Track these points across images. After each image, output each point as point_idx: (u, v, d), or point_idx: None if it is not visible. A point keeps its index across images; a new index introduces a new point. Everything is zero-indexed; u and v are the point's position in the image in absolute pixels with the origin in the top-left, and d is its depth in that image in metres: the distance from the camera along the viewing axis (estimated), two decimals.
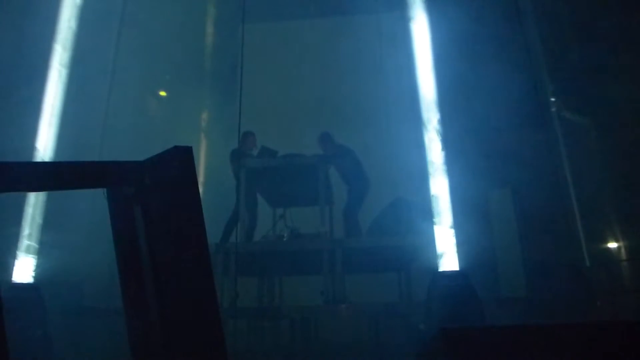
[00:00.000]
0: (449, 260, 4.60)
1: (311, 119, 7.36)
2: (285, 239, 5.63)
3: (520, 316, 5.02)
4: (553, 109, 6.84)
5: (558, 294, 4.93)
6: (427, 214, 4.89)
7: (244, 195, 5.76)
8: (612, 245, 6.30)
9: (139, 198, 1.86)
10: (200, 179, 8.07)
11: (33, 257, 5.08)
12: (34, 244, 5.12)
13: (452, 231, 4.71)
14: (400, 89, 6.56)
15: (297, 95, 8.49)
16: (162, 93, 8.96)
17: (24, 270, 5.03)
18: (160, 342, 1.91)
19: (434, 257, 4.69)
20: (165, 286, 1.89)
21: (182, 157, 1.80)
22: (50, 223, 5.28)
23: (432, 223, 4.82)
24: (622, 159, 6.12)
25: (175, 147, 1.78)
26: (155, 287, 1.91)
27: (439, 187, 4.84)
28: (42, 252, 5.15)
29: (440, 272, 4.61)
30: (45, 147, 5.41)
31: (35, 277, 5.06)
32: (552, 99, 6.87)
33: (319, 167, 5.76)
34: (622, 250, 6.21)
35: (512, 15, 6.49)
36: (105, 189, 1.92)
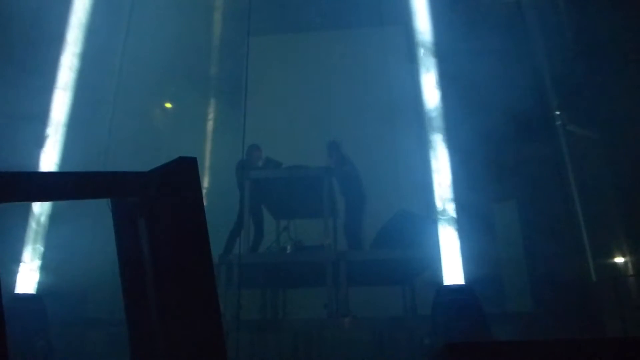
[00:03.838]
0: (454, 274, 4.56)
1: (316, 130, 7.38)
2: (288, 251, 5.61)
3: (526, 331, 4.96)
4: (558, 123, 6.83)
5: (564, 309, 4.88)
6: (432, 226, 4.87)
7: (248, 207, 5.76)
8: (619, 260, 6.23)
9: (143, 209, 1.86)
10: (205, 190, 8.08)
11: (36, 268, 5.08)
12: (37, 255, 5.13)
13: (457, 244, 4.68)
14: (405, 102, 6.58)
15: (302, 107, 8.52)
16: (168, 105, 9.03)
17: (26, 280, 5.03)
18: (162, 353, 1.89)
19: (438, 270, 4.65)
20: (167, 297, 1.88)
21: (187, 168, 1.80)
22: (54, 234, 5.29)
23: (436, 236, 4.79)
24: (628, 173, 6.08)
25: (180, 158, 1.78)
26: (158, 298, 1.90)
27: (444, 199, 4.83)
28: (46, 262, 5.15)
29: (445, 286, 4.58)
30: (50, 157, 5.45)
31: (38, 288, 5.06)
32: (558, 113, 6.86)
33: (323, 179, 5.76)
34: (629, 265, 6.14)
35: (517, 29, 6.52)
36: (109, 200, 1.92)
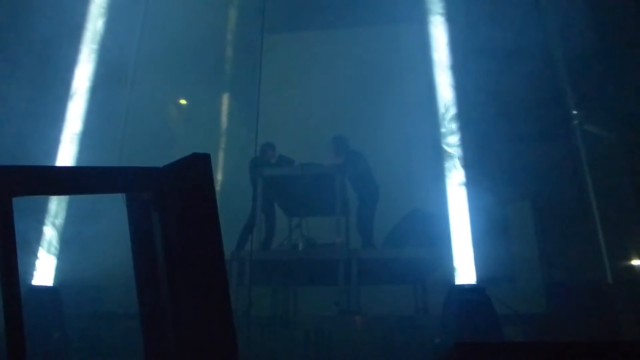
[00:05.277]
0: (466, 273, 4.53)
1: (329, 128, 7.38)
2: (300, 249, 5.62)
3: (538, 333, 4.90)
4: (575, 122, 6.72)
5: (579, 312, 4.81)
6: (444, 226, 4.84)
7: (260, 204, 5.79)
8: (636, 262, 6.12)
9: (156, 204, 1.88)
10: (218, 186, 8.14)
11: (53, 260, 5.17)
12: (54, 248, 5.22)
13: (470, 244, 4.64)
14: (419, 99, 6.54)
15: (316, 105, 8.53)
16: (182, 101, 9.10)
17: (43, 272, 5.12)
18: (174, 349, 1.92)
19: (450, 270, 4.62)
20: (180, 292, 1.90)
21: (201, 164, 1.82)
22: (71, 227, 5.37)
23: (449, 235, 4.76)
24: None
25: (194, 154, 1.80)
26: (170, 293, 1.93)
27: (457, 199, 4.79)
28: (63, 255, 5.24)
29: (456, 285, 4.55)
30: (67, 152, 5.54)
31: (54, 280, 5.15)
32: (575, 112, 6.75)
33: (335, 177, 5.76)
34: None
35: (535, 27, 6.43)
36: (123, 194, 1.95)
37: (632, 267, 6.13)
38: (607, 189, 6.22)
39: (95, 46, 5.96)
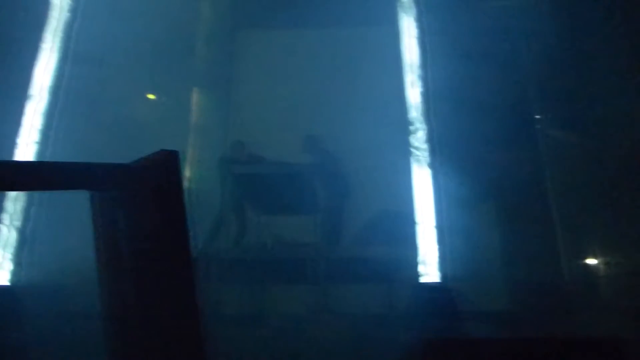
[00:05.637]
0: (432, 272, 4.62)
1: (301, 127, 7.37)
2: (270, 247, 5.61)
3: (500, 329, 5.05)
4: (538, 126, 6.95)
5: (539, 309, 4.98)
6: (412, 225, 4.93)
7: (230, 202, 5.75)
8: (592, 262, 6.39)
9: (122, 202, 1.83)
10: (186, 184, 8.01)
11: (9, 259, 4.98)
12: (11, 247, 5.03)
13: (436, 243, 4.74)
14: (389, 100, 6.62)
15: (288, 104, 8.50)
16: (151, 96, 8.91)
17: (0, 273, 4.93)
18: (140, 350, 1.88)
19: (417, 269, 4.71)
20: (146, 292, 1.86)
21: (169, 161, 1.79)
22: (31, 225, 5.19)
23: (416, 235, 4.85)
24: (604, 178, 6.23)
25: (162, 150, 1.76)
26: (136, 292, 1.89)
27: (425, 199, 4.88)
28: (22, 254, 5.06)
29: (422, 283, 4.64)
30: (28, 147, 5.34)
31: (13, 279, 4.96)
32: (538, 116, 6.98)
33: (307, 176, 5.76)
34: (601, 267, 6.30)
35: (503, 31, 6.60)
36: (87, 192, 1.90)
37: (588, 266, 6.40)
38: (567, 191, 6.47)
39: (59, 39, 5.77)
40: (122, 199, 1.81)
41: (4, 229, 5.00)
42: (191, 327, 1.79)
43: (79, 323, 4.93)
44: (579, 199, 6.43)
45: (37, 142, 5.36)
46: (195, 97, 9.22)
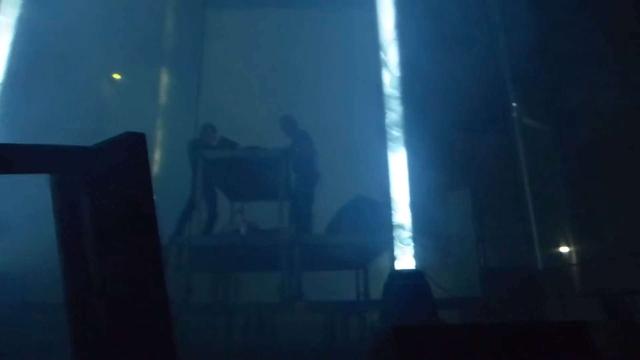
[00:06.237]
0: (406, 259, 4.71)
1: (274, 111, 7.32)
2: (242, 234, 5.59)
3: (473, 316, 5.20)
4: (514, 114, 7.10)
5: (511, 295, 5.14)
6: (387, 212, 4.99)
7: (200, 187, 5.68)
8: (564, 249, 6.62)
9: (85, 186, 1.79)
10: (155, 168, 7.88)
11: None
12: None
13: (410, 230, 4.82)
14: (365, 85, 6.63)
15: (260, 86, 8.42)
16: (116, 76, 8.66)
17: None
18: (105, 339, 1.86)
19: (392, 255, 4.78)
20: (111, 281, 1.84)
21: (135, 144, 1.74)
22: None
23: (391, 222, 4.91)
24: (578, 167, 6.42)
25: (127, 133, 1.71)
26: (101, 281, 1.86)
27: (399, 186, 4.94)
28: None
29: (396, 270, 4.72)
30: None
31: None
32: (514, 104, 7.12)
33: (280, 161, 5.74)
34: (574, 254, 6.54)
35: (480, 19, 6.67)
36: (48, 175, 1.84)
37: (560, 253, 6.63)
38: (541, 179, 6.66)
39: (17, 14, 5.53)
40: (86, 183, 1.77)
41: None
42: (159, 317, 1.78)
43: (43, 313, 4.83)
44: (553, 187, 6.62)
45: None
46: (164, 78, 9.03)
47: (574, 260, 6.51)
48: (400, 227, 4.84)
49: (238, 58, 8.49)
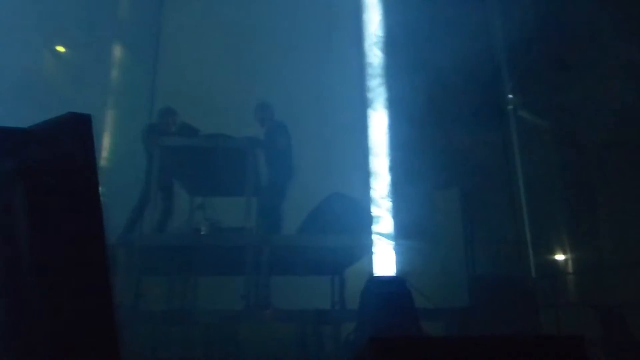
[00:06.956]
0: (386, 264, 4.76)
1: (240, 96, 7.28)
2: (202, 233, 5.56)
3: (459, 328, 5.30)
4: (510, 107, 7.23)
5: (501, 305, 5.25)
6: (367, 212, 5.02)
7: (156, 179, 5.62)
8: (559, 257, 6.79)
9: (20, 174, 1.76)
10: (103, 154, 7.74)
11: None
12: None
13: (392, 232, 4.87)
14: (345, 73, 6.65)
15: (225, 68, 8.34)
16: (60, 48, 8.46)
17: None
18: (43, 350, 1.83)
19: (371, 260, 4.82)
20: (50, 283, 1.81)
21: (79, 126, 1.72)
22: None
23: (371, 223, 4.95)
24: (576, 166, 6.59)
25: (71, 113, 1.68)
26: (37, 282, 1.83)
27: (381, 183, 4.99)
28: None
29: (375, 277, 4.76)
30: None
31: None
32: (510, 96, 7.25)
33: (247, 152, 5.71)
34: (569, 262, 6.72)
35: (476, 5, 6.76)
36: None
37: (555, 261, 6.80)
38: (536, 179, 6.80)
39: None
40: (21, 170, 1.74)
41: None
42: (102, 324, 1.77)
43: None
44: (549, 189, 6.78)
45: None
46: (117, 54, 8.84)
47: (570, 268, 6.69)
48: (381, 228, 4.88)
49: (203, 31, 8.39)
